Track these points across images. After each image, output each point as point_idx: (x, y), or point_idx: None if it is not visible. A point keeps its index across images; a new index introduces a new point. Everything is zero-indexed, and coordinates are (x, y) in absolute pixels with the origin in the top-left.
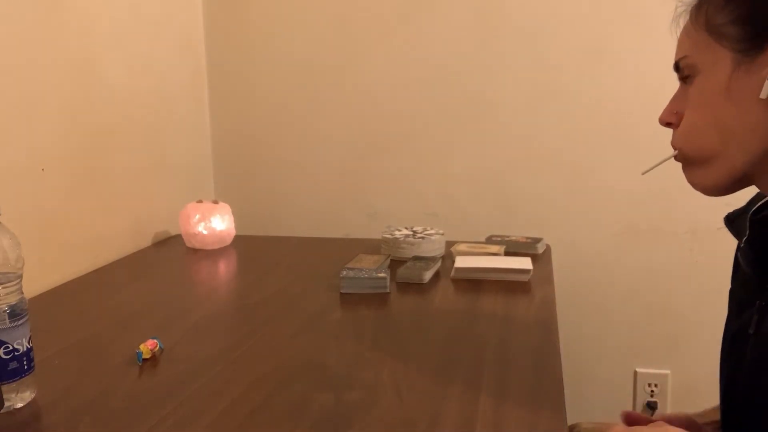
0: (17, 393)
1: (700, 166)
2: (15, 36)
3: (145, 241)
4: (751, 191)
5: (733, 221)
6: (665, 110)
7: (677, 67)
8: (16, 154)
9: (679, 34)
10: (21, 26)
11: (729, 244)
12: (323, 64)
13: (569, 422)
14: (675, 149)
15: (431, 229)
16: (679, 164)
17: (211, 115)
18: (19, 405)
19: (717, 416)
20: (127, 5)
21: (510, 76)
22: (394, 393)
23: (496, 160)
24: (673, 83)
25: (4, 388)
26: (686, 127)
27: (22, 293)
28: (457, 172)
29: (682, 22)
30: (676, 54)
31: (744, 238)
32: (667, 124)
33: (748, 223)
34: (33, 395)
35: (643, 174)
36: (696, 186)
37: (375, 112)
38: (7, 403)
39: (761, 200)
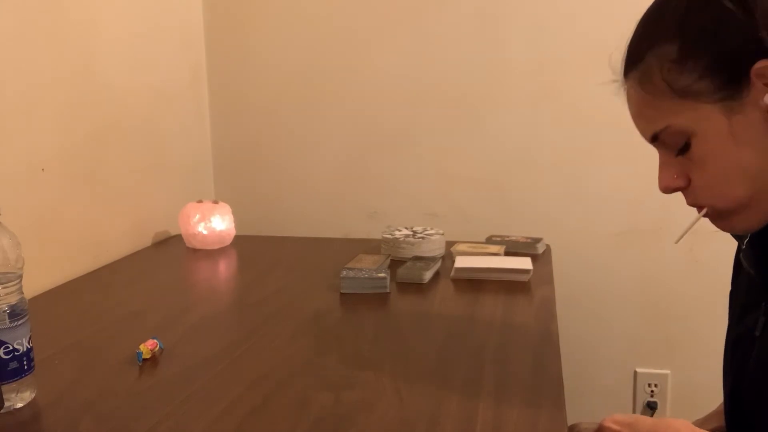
0: (17, 393)
1: (737, 214)
2: (15, 36)
3: (145, 241)
4: None
5: None
6: (664, 179)
7: (655, 139)
8: (16, 154)
9: (632, 110)
10: (21, 26)
11: (729, 244)
12: (323, 64)
13: (569, 422)
14: (701, 207)
15: (431, 229)
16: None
17: (211, 115)
18: (19, 405)
19: (717, 423)
20: (127, 5)
21: (510, 77)
22: (394, 393)
23: (496, 160)
24: None
25: (4, 388)
26: (708, 184)
27: (22, 293)
28: (457, 172)
29: (625, 94)
30: (649, 128)
31: (746, 240)
32: (674, 190)
33: None
34: (33, 395)
35: (676, 242)
36: (736, 231)
37: (375, 112)
38: (7, 403)
39: None
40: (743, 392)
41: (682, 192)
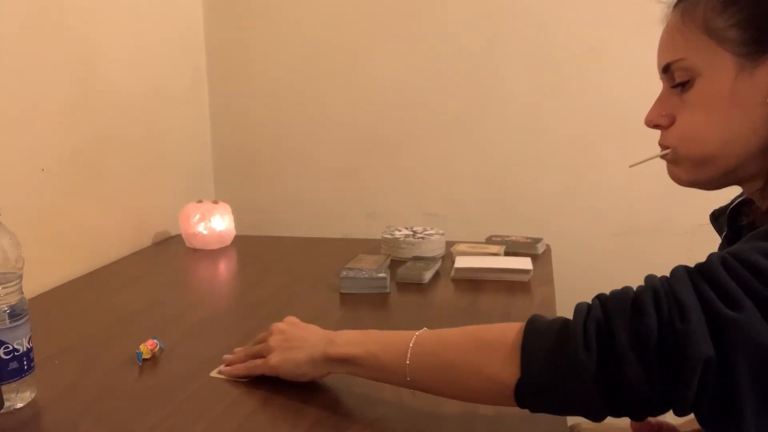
0: (17, 393)
1: (693, 166)
2: (15, 36)
3: (145, 241)
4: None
5: (717, 218)
6: (653, 112)
7: (667, 69)
8: (16, 154)
9: (663, 37)
10: (21, 26)
11: None
12: (323, 65)
13: (569, 422)
14: (665, 148)
15: (431, 229)
16: None
17: (211, 115)
18: (19, 405)
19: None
20: (127, 5)
21: (510, 76)
22: (394, 393)
23: (496, 160)
24: None
25: (4, 388)
26: (684, 129)
27: (22, 293)
28: (457, 172)
29: (668, 19)
30: (667, 55)
31: (723, 235)
32: (655, 126)
33: (726, 220)
34: (33, 395)
35: (630, 167)
36: (681, 182)
37: (375, 112)
38: (7, 403)
39: (740, 197)
40: None
41: (661, 131)
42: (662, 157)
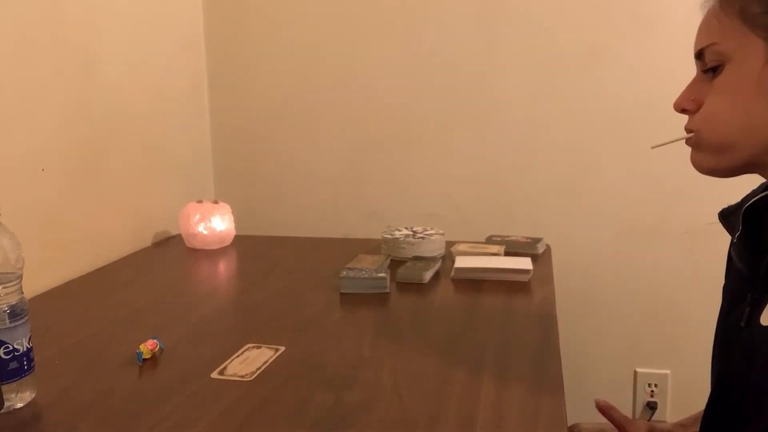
0: (17, 393)
1: (714, 152)
2: (15, 35)
3: (145, 241)
4: (746, 188)
5: (727, 217)
6: (682, 96)
7: (700, 55)
8: (16, 153)
9: (702, 23)
10: (21, 26)
11: (728, 243)
12: (323, 64)
13: (569, 422)
14: (690, 132)
15: (431, 229)
16: (685, 161)
17: (211, 115)
18: (19, 405)
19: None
20: (127, 5)
21: (510, 76)
22: (394, 393)
23: (496, 160)
24: (673, 83)
25: (4, 388)
26: (709, 113)
27: (22, 293)
28: (457, 172)
29: (706, 6)
30: (702, 40)
31: (737, 234)
32: (683, 111)
33: (741, 219)
34: (33, 395)
35: (652, 148)
36: (702, 169)
37: (375, 112)
38: (7, 403)
39: (755, 196)
40: (731, 380)
41: (688, 116)
42: (686, 141)
